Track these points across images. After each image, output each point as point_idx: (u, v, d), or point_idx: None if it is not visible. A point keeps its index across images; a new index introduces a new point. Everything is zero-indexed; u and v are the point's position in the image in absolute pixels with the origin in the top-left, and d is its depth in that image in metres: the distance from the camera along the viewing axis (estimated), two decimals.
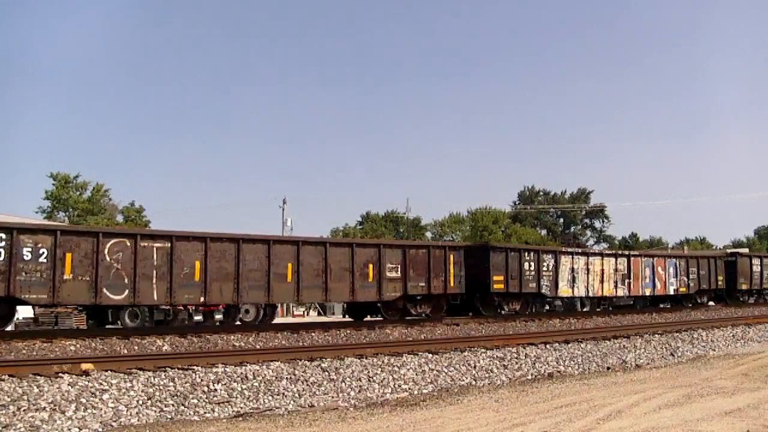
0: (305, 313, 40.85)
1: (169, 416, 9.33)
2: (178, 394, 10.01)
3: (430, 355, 13.57)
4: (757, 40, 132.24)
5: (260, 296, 18.89)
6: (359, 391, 11.21)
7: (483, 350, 14.47)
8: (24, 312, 26.04)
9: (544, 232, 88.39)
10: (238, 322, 23.44)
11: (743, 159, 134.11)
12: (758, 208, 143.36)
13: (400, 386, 11.70)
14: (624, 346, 16.58)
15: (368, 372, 12.04)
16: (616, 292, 28.48)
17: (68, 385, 9.70)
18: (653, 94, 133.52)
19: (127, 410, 9.23)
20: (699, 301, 32.83)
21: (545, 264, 25.45)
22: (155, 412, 9.36)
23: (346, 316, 24.73)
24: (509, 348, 14.93)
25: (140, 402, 9.54)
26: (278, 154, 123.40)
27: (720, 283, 33.22)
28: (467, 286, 22.99)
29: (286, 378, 11.22)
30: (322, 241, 21.49)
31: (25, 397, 9.08)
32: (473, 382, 12.51)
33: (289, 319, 34.40)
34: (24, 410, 8.73)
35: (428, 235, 71.86)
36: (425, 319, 21.72)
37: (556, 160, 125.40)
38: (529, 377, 13.25)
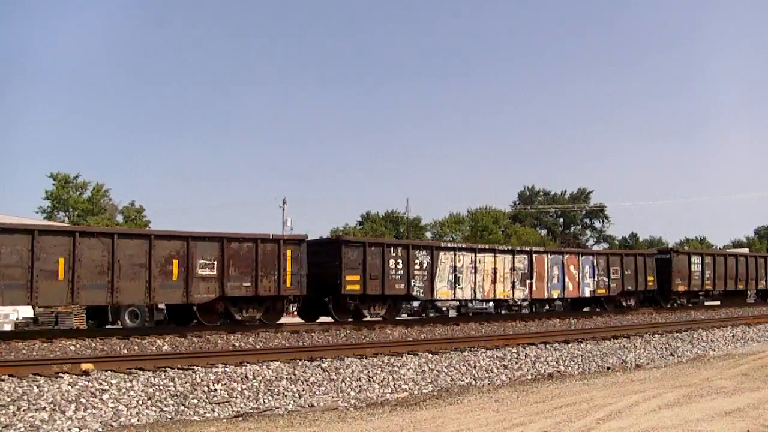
0: (294, 312, 40.76)
1: (169, 416, 9.33)
2: (178, 394, 10.01)
3: (430, 355, 13.57)
4: (757, 40, 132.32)
5: (21, 297, 15.54)
6: (359, 391, 11.21)
7: (483, 350, 14.47)
8: (24, 312, 26.04)
9: (544, 232, 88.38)
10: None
11: (743, 159, 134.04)
12: (758, 208, 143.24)
13: (400, 386, 11.71)
14: (624, 346, 16.58)
15: (368, 372, 12.04)
16: (513, 294, 24.50)
17: (68, 385, 9.70)
18: (653, 94, 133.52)
19: (127, 410, 9.24)
20: (625, 304, 28.67)
21: (417, 261, 21.60)
22: (155, 412, 9.36)
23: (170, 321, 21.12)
24: (509, 348, 14.93)
25: (140, 402, 9.54)
26: (278, 154, 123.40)
27: (650, 283, 28.94)
28: (315, 286, 19.71)
29: (286, 378, 11.23)
30: (107, 231, 18.55)
31: (25, 397, 9.08)
32: (473, 382, 12.51)
33: (289, 320, 34.36)
34: (24, 410, 8.73)
35: (428, 235, 71.90)
36: (256, 325, 18.66)
37: (556, 160, 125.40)
38: (529, 377, 13.25)
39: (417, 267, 21.62)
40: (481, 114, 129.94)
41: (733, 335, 19.92)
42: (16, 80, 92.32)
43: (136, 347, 15.05)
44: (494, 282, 23.72)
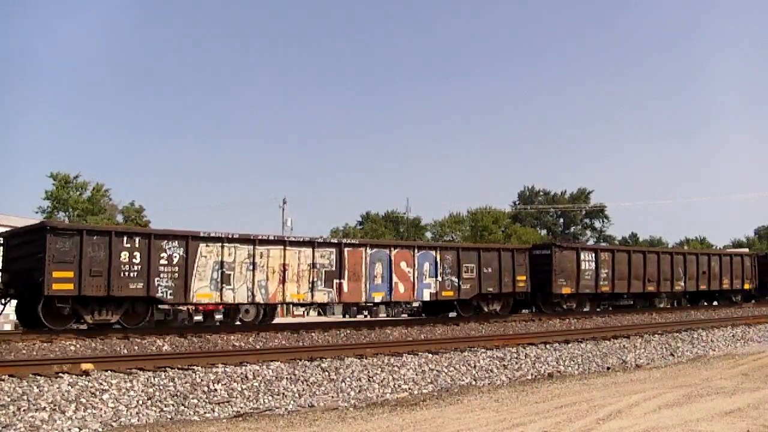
0: (305, 313, 40.86)
1: (169, 416, 9.33)
2: (178, 394, 10.01)
3: (430, 355, 13.57)
4: (757, 40, 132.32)
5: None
6: (359, 391, 11.21)
7: (483, 350, 14.47)
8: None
9: (544, 232, 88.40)
10: (238, 322, 23.45)
11: (743, 159, 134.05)
12: (758, 208, 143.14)
13: (400, 386, 11.71)
14: (624, 346, 16.58)
15: (368, 372, 12.04)
16: (313, 296, 19.73)
17: (68, 385, 9.70)
18: (653, 94, 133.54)
19: (127, 410, 9.24)
20: (487, 309, 23.40)
21: (165, 255, 17.36)
22: (155, 412, 9.36)
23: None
24: (509, 348, 14.93)
25: (140, 402, 9.54)
26: (278, 154, 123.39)
27: (520, 284, 23.78)
28: (18, 285, 16.85)
29: (286, 378, 11.23)
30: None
31: (25, 397, 9.08)
32: (473, 382, 12.51)
33: (289, 319, 34.41)
34: (24, 410, 8.73)
35: (428, 235, 71.89)
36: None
37: (556, 160, 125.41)
38: (529, 377, 13.25)
39: (164, 262, 17.39)
40: (481, 114, 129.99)
41: (733, 335, 19.91)
42: (16, 80, 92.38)
43: (136, 347, 15.05)
44: (283, 282, 18.97)
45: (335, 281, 20.01)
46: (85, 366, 10.68)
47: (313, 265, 19.63)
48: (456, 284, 22.46)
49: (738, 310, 30.85)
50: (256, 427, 8.65)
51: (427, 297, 22.15)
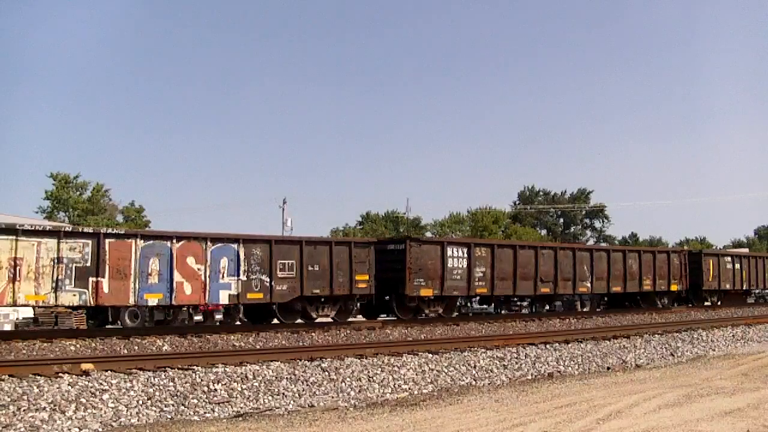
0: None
1: (169, 416, 9.33)
2: (178, 394, 10.01)
3: (430, 355, 13.56)
4: (757, 39, 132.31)
5: None
6: (359, 391, 11.21)
7: (483, 350, 14.47)
8: (24, 312, 26.02)
9: (544, 232, 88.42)
10: (238, 322, 23.43)
11: (743, 159, 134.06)
12: (758, 208, 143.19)
13: (400, 386, 11.71)
14: (624, 346, 16.58)
15: (368, 372, 12.04)
16: (57, 299, 16.11)
17: (68, 385, 9.70)
18: (653, 94, 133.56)
19: (127, 410, 9.24)
20: (316, 315, 20.03)
21: None
22: (155, 412, 9.36)
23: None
24: (509, 348, 14.93)
25: (140, 402, 9.54)
26: (278, 154, 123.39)
27: (361, 285, 20.17)
28: None
29: (286, 378, 11.23)
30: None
31: (25, 397, 9.08)
32: (473, 382, 12.51)
33: None
34: (24, 410, 8.73)
35: (428, 234, 71.94)
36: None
37: (556, 160, 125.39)
38: (529, 377, 13.25)
39: None
40: (481, 114, 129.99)
41: (733, 335, 19.92)
42: (16, 80, 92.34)
43: (136, 347, 15.05)
44: (14, 280, 15.64)
45: (91, 279, 16.36)
46: (85, 366, 10.68)
47: (59, 259, 16.09)
48: (268, 284, 18.58)
49: (738, 310, 30.64)
50: (256, 427, 8.65)
51: (225, 300, 18.50)
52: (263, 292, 18.66)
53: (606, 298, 29.74)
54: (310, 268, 19.29)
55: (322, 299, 19.83)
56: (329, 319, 20.39)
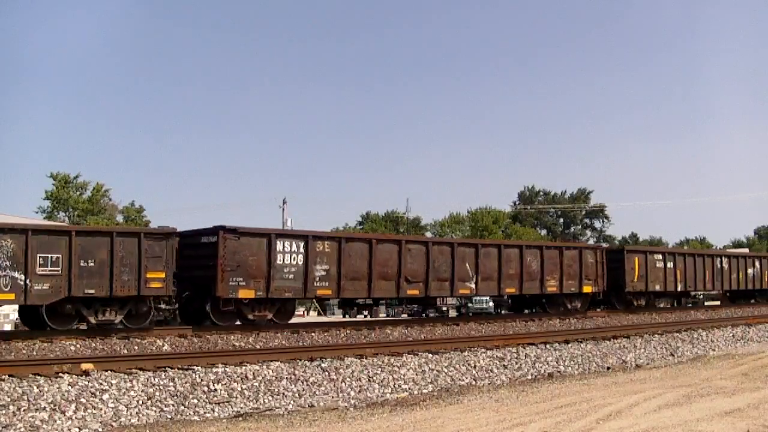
0: (305, 313, 40.88)
1: (169, 416, 9.33)
2: (178, 394, 10.01)
3: (430, 355, 13.57)
4: (757, 39, 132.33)
5: None
6: (359, 391, 11.22)
7: (483, 350, 14.47)
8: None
9: (544, 232, 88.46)
10: (238, 322, 23.40)
11: (743, 159, 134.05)
12: (758, 208, 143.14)
13: (400, 386, 11.71)
14: (624, 346, 16.58)
15: (368, 372, 12.04)
16: None
17: (68, 385, 9.70)
18: (653, 94, 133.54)
19: (127, 410, 9.24)
20: (95, 320, 16.34)
21: None
22: (155, 412, 9.37)
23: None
24: (509, 348, 14.93)
25: (140, 402, 9.55)
26: (278, 153, 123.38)
27: (155, 285, 16.69)
28: None
29: (286, 378, 11.23)
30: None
31: (25, 397, 9.08)
32: (473, 382, 12.51)
33: None
34: (24, 410, 8.73)
35: (428, 234, 71.93)
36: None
37: (556, 160, 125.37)
38: (529, 377, 13.26)
39: None
40: (481, 114, 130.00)
41: (733, 335, 19.92)
42: (16, 80, 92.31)
43: (136, 347, 15.05)
44: None
45: None
46: (85, 366, 10.68)
47: None
48: (22, 283, 15.35)
49: (738, 310, 30.48)
50: (256, 427, 8.65)
51: None
52: (15, 293, 15.32)
53: (510, 301, 27.38)
54: (83, 264, 16.01)
55: (101, 301, 16.41)
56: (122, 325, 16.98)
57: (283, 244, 18.45)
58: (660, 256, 28.82)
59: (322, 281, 19.03)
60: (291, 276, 18.51)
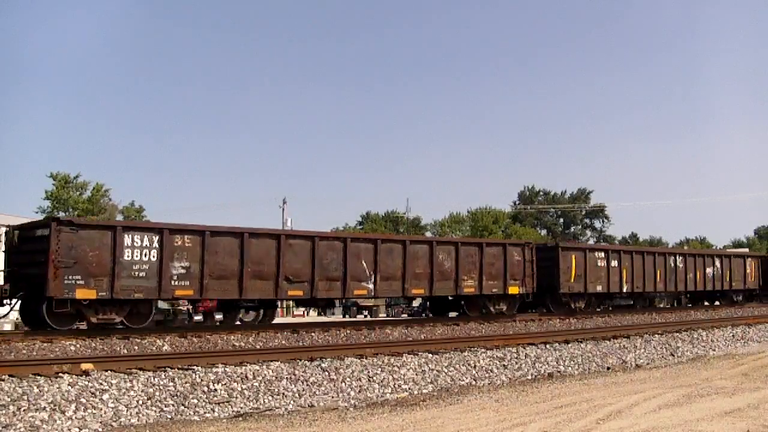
0: (305, 313, 40.86)
1: (169, 416, 9.33)
2: (178, 394, 10.01)
3: (430, 355, 13.56)
4: (757, 39, 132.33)
5: None
6: (359, 391, 11.21)
7: (483, 350, 14.47)
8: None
9: (544, 232, 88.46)
10: (237, 322, 23.44)
11: (743, 159, 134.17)
12: (758, 208, 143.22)
13: (400, 386, 11.71)
14: (624, 346, 16.57)
15: (368, 372, 12.04)
16: None
17: (68, 385, 9.69)
18: (653, 94, 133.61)
19: (127, 410, 9.24)
20: None
21: None
22: (155, 412, 9.37)
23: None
24: (509, 348, 14.93)
25: (140, 402, 9.54)
26: (278, 153, 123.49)
27: None
28: None
29: (286, 378, 11.23)
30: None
31: (25, 397, 9.08)
32: (473, 382, 12.51)
33: (289, 319, 34.42)
34: (24, 410, 8.73)
35: (428, 234, 71.92)
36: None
37: (556, 160, 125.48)
38: (529, 377, 13.25)
39: None
40: (481, 114, 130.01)
41: (733, 335, 19.92)
42: (16, 80, 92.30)
43: (136, 347, 15.05)
44: None
45: None
46: (85, 366, 10.68)
47: None
48: None
49: (738, 310, 30.29)
50: (256, 427, 8.65)
51: None
52: None
53: (428, 303, 25.53)
54: None
55: None
56: None
57: (132, 239, 16.59)
58: (602, 254, 26.67)
59: (181, 280, 17.15)
60: (142, 274, 16.66)
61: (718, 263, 32.44)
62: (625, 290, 27.40)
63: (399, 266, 20.64)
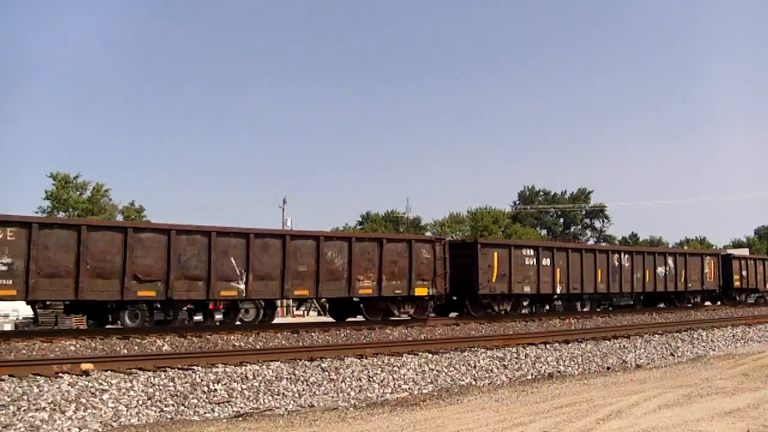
0: (305, 313, 40.83)
1: (169, 416, 9.33)
2: (178, 394, 10.01)
3: (430, 355, 13.56)
4: (757, 39, 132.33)
5: None
6: (359, 391, 11.21)
7: (483, 350, 14.47)
8: (24, 312, 26.05)
9: (544, 232, 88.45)
10: (238, 322, 23.44)
11: (743, 159, 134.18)
12: (758, 208, 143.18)
13: (400, 386, 11.70)
14: (624, 346, 16.57)
15: (368, 372, 12.04)
16: None
17: (68, 385, 9.70)
18: (653, 94, 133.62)
19: (127, 410, 9.24)
20: None
21: None
22: (155, 412, 9.36)
23: None
24: (509, 348, 14.93)
25: (140, 402, 9.54)
26: (278, 153, 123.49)
27: None
28: None
29: (286, 378, 11.22)
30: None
31: (25, 397, 9.08)
32: (473, 382, 12.51)
33: (289, 319, 34.40)
34: (24, 410, 8.73)
35: (428, 234, 71.91)
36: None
37: (556, 160, 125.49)
38: (529, 377, 13.25)
39: None
40: (481, 114, 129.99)
41: (733, 335, 19.92)
42: (16, 80, 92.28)
43: (136, 347, 15.05)
44: None
45: None
46: (85, 366, 10.68)
47: None
48: None
49: (738, 310, 30.20)
50: (256, 427, 8.65)
51: None
52: None
53: (328, 305, 23.53)
54: None
55: None
56: None
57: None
58: (531, 252, 24.20)
59: (1, 278, 15.49)
60: None
61: (671, 262, 29.94)
62: (559, 291, 25.02)
63: (277, 264, 18.53)
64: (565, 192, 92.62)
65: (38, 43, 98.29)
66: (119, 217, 56.90)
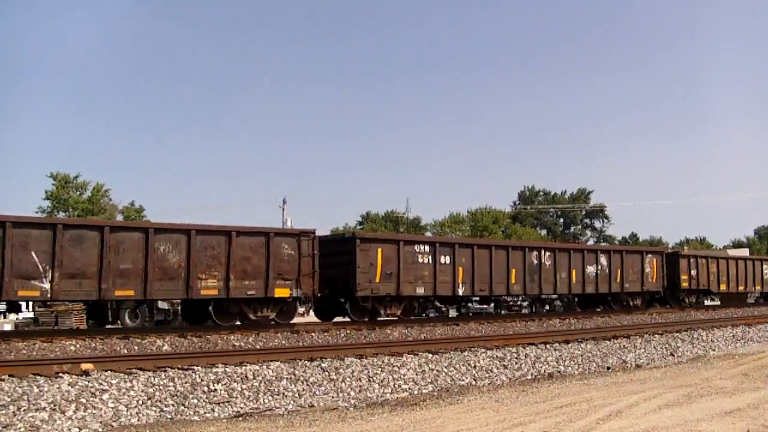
0: (305, 313, 40.80)
1: (169, 416, 9.33)
2: (178, 394, 10.01)
3: (430, 355, 13.56)
4: (757, 40, 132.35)
5: None
6: (359, 391, 11.21)
7: (483, 350, 14.47)
8: (24, 312, 26.03)
9: (544, 232, 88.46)
10: (238, 322, 23.39)
11: (743, 159, 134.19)
12: (758, 208, 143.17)
13: (400, 386, 11.70)
14: (624, 346, 16.58)
15: (368, 372, 12.04)
16: None
17: (68, 385, 9.70)
18: (653, 94, 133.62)
19: (127, 410, 9.24)
20: None
21: None
22: (155, 412, 9.36)
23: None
24: (509, 348, 14.93)
25: (140, 402, 9.54)
26: (278, 153, 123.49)
27: None
28: None
29: (286, 378, 11.23)
30: None
31: (25, 397, 9.08)
32: (473, 382, 12.51)
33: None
34: (24, 410, 8.73)
35: (428, 234, 71.87)
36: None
37: (556, 160, 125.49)
38: (529, 377, 13.25)
39: None
40: (481, 114, 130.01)
41: (733, 335, 19.92)
42: (16, 80, 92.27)
43: (136, 347, 15.05)
44: None
45: None
46: (85, 366, 10.68)
47: None
48: None
49: (738, 310, 30.18)
50: (256, 427, 8.65)
51: None
52: None
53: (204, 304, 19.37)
54: None
55: None
56: None
57: None
58: (425, 248, 21.42)
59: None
60: None
61: (603, 260, 26.64)
62: (461, 293, 22.24)
63: (94, 260, 15.94)
64: (565, 192, 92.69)
65: (38, 43, 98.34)
66: (119, 217, 56.91)
